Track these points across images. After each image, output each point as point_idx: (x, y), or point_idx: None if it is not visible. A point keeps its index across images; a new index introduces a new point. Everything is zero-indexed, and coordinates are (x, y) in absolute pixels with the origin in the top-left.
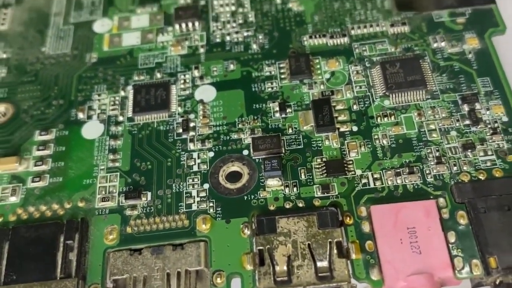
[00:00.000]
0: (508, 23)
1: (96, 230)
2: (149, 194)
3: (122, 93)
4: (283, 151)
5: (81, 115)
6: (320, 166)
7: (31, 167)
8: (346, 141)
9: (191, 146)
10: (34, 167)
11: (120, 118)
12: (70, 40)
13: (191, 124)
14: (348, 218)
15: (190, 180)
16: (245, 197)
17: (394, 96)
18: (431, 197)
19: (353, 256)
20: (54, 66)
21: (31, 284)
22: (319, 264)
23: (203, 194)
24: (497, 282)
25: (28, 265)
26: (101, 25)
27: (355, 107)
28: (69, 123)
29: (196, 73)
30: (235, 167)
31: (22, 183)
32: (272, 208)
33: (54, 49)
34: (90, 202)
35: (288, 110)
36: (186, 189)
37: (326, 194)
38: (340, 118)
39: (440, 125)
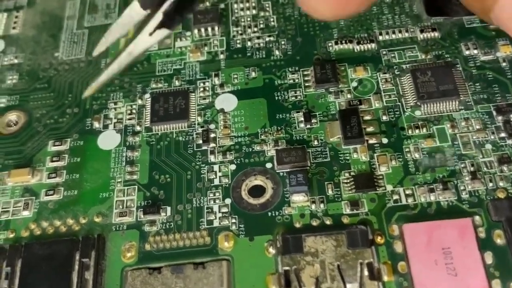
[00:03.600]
0: None
1: (113, 247)
2: (168, 209)
3: (139, 102)
4: (309, 164)
5: (96, 125)
6: (348, 180)
7: (44, 179)
8: (375, 154)
9: (211, 158)
10: (48, 179)
11: (138, 128)
12: (84, 44)
13: (212, 135)
14: (379, 237)
15: (211, 195)
16: (269, 213)
17: (425, 106)
18: (466, 215)
19: (385, 278)
20: (68, 72)
21: None
22: (349, 286)
23: (225, 209)
24: None
25: (41, 285)
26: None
27: (384, 117)
28: (84, 132)
29: (216, 80)
30: (258, 181)
31: (35, 196)
32: (298, 225)
33: (68, 54)
34: (107, 217)
35: (314, 120)
36: (207, 204)
37: (355, 211)
38: (368, 130)
39: (474, 137)
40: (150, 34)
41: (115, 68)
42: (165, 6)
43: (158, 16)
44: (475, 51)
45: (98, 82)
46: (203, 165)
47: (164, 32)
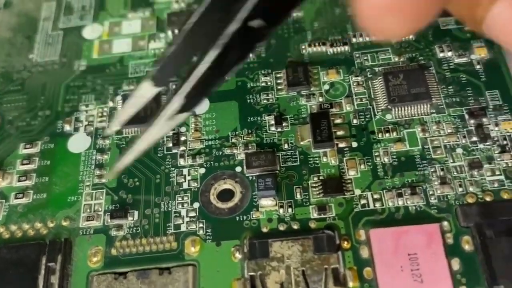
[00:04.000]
0: None
1: (79, 251)
2: (136, 213)
3: (111, 104)
4: (278, 168)
5: (67, 127)
6: (317, 185)
7: (14, 183)
8: (344, 158)
9: (181, 161)
10: (18, 182)
11: (108, 131)
12: (59, 46)
13: (182, 138)
14: (346, 242)
15: (180, 199)
16: (237, 218)
17: (396, 109)
18: (434, 220)
19: (350, 284)
20: (41, 75)
21: None
22: None
23: (192, 213)
24: None
25: None
26: (91, 31)
27: (355, 121)
28: (55, 135)
29: None
30: (227, 185)
31: (5, 199)
32: (265, 230)
33: (42, 56)
34: (74, 221)
35: (285, 124)
36: (175, 208)
37: (322, 216)
38: (338, 133)
39: (445, 141)
40: (169, 119)
41: (130, 158)
42: (187, 88)
43: (179, 100)
44: (450, 54)
45: (116, 169)
46: (173, 168)
47: (184, 115)
